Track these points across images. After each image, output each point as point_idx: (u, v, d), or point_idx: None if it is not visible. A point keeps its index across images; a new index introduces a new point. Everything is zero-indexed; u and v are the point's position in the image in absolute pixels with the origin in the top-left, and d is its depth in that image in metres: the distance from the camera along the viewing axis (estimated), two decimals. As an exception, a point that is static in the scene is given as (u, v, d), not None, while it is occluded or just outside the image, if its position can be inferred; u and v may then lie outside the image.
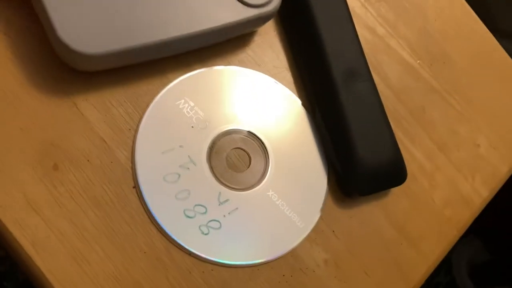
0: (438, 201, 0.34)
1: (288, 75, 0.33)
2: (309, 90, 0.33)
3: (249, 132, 0.32)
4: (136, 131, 0.29)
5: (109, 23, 0.26)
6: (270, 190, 0.31)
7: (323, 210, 0.31)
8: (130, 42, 0.26)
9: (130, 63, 0.28)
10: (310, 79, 0.33)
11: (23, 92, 0.27)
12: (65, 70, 0.27)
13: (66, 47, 0.25)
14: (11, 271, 0.73)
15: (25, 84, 0.27)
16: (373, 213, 0.32)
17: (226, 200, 0.29)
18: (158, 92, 0.30)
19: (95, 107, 0.28)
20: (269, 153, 0.32)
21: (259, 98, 0.33)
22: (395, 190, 0.33)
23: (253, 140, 0.32)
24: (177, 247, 0.27)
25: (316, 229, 0.31)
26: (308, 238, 0.30)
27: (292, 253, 0.30)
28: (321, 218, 0.31)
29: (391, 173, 0.32)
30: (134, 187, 0.27)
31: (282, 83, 0.33)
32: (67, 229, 0.25)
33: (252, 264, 0.29)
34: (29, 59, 0.27)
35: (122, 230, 0.26)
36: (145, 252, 0.26)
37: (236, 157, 0.31)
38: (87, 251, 0.25)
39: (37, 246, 0.24)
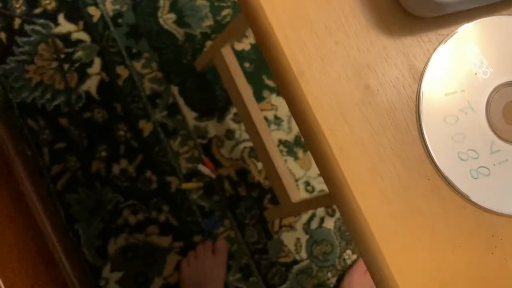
0: None
1: None
2: None
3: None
4: (423, 70, 0.30)
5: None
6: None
7: None
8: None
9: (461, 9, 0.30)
10: None
11: (355, 21, 0.30)
12: (393, 13, 0.30)
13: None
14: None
15: (358, 15, 0.30)
16: None
17: (498, 151, 0.30)
18: (446, 37, 0.31)
19: (409, 37, 0.30)
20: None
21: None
22: None
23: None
24: (447, 184, 0.29)
25: None
26: None
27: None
28: None
29: None
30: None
31: None
32: (369, 143, 0.28)
33: (516, 216, 0.29)
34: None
35: (412, 155, 0.29)
36: (428, 179, 0.29)
37: None
38: (381, 166, 0.28)
39: (344, 150, 0.28)
